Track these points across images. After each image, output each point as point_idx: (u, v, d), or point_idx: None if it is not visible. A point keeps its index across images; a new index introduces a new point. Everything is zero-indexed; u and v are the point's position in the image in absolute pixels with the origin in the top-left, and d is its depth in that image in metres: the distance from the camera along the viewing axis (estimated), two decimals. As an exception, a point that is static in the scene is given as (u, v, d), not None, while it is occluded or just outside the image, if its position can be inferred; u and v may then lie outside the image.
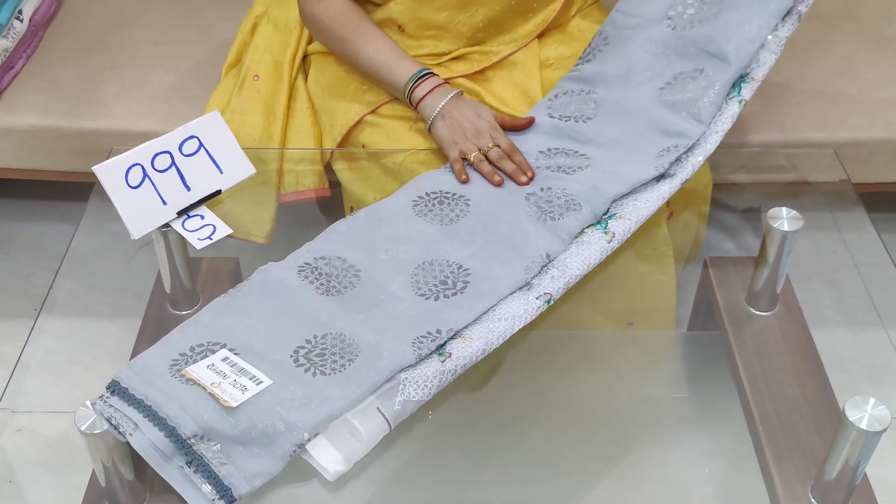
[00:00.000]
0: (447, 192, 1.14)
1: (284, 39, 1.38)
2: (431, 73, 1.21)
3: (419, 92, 1.19)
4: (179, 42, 1.67)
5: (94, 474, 0.93)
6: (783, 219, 1.11)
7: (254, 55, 1.37)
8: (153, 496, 0.92)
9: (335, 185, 1.34)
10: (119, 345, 1.14)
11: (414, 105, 1.21)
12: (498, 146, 1.16)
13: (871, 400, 0.87)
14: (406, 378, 0.92)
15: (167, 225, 1.10)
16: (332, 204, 1.34)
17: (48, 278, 1.16)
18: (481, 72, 1.29)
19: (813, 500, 0.93)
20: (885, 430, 0.86)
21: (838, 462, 0.90)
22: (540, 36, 1.30)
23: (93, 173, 1.06)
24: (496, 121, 1.19)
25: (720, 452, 1.09)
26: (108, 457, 0.87)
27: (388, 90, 1.25)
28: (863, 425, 0.86)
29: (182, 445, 0.85)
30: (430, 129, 1.20)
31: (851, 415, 0.86)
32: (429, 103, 1.19)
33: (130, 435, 0.86)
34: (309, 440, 0.86)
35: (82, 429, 0.85)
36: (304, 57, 1.39)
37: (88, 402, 0.87)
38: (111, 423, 0.87)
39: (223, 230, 1.11)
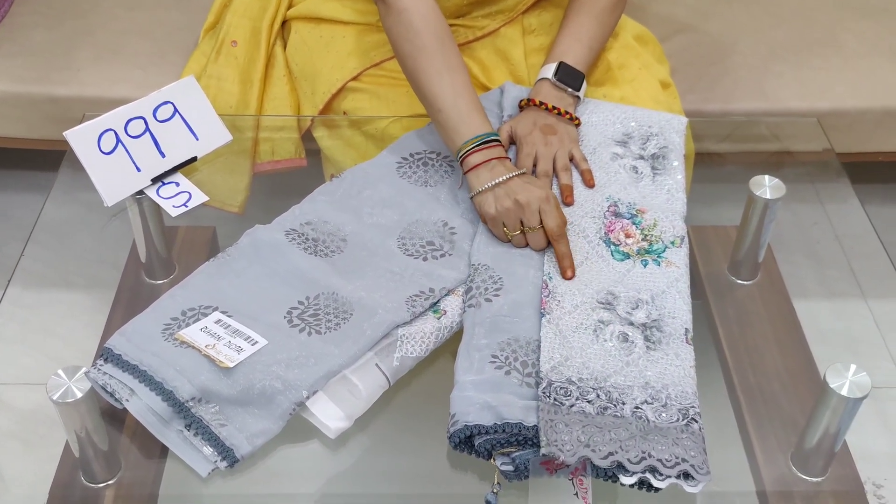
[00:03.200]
0: (431, 153, 1.13)
1: (263, 4, 1.35)
2: (497, 140, 1.06)
3: (475, 158, 1.04)
4: (155, 7, 1.64)
5: (67, 445, 0.91)
6: (766, 186, 1.10)
7: (232, 19, 1.34)
8: (128, 467, 0.91)
9: (312, 154, 1.32)
10: (94, 315, 1.12)
11: (462, 166, 1.06)
12: (543, 227, 1.01)
13: (853, 367, 0.87)
14: (404, 335, 0.93)
15: (141, 192, 1.08)
16: (308, 174, 1.33)
17: (19, 249, 1.13)
18: (465, 43, 1.28)
19: (793, 467, 0.93)
20: (865, 397, 0.86)
21: (819, 429, 0.89)
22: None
23: (65, 140, 1.04)
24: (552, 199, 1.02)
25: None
26: (82, 426, 0.86)
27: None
28: (844, 392, 0.85)
29: (180, 409, 0.85)
30: (472, 198, 1.06)
31: (832, 381, 0.86)
32: (481, 175, 1.04)
33: (127, 401, 0.86)
34: (308, 398, 0.87)
35: (54, 398, 0.83)
36: (284, 23, 1.36)
37: (61, 371, 0.85)
38: (106, 391, 0.87)
39: (199, 197, 1.09)
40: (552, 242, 1.01)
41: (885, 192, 1.80)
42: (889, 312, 1.12)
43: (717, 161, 1.39)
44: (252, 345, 0.89)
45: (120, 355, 0.88)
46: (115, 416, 0.92)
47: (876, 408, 0.99)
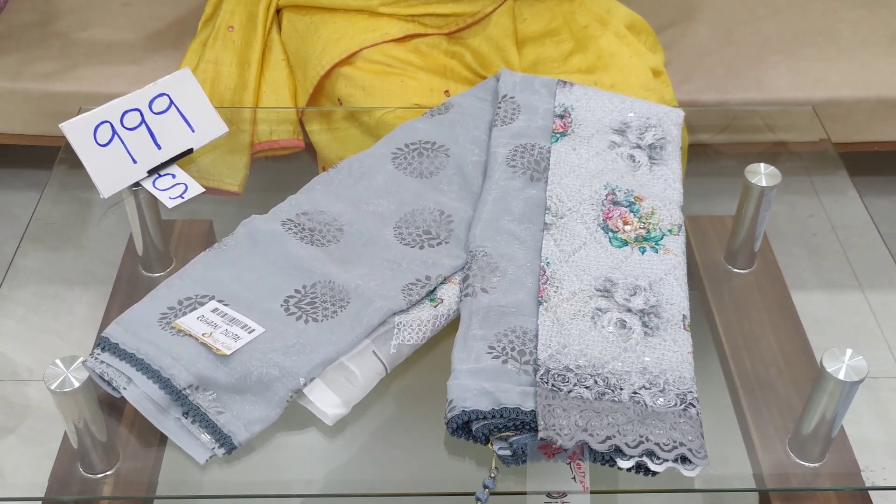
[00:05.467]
0: (426, 143, 1.13)
1: (258, -9, 1.35)
2: None
3: None
4: (149, 3, 1.64)
5: (65, 437, 0.91)
6: (761, 174, 1.10)
7: (228, 6, 1.35)
8: (127, 457, 0.91)
9: (308, 149, 1.32)
10: (91, 311, 1.13)
11: None
12: None
13: (849, 351, 0.87)
14: (401, 322, 0.93)
15: (138, 184, 1.08)
16: (306, 170, 1.32)
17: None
18: (457, 30, 1.28)
19: (790, 453, 0.93)
20: (861, 381, 0.85)
21: (816, 414, 0.89)
22: None
23: (61, 137, 1.03)
24: None
25: (698, 409, 1.09)
26: (80, 417, 0.86)
27: None
28: (840, 376, 0.85)
29: (177, 397, 0.85)
30: None
31: (829, 366, 0.86)
32: None
33: (125, 389, 0.86)
34: (305, 385, 0.87)
35: (52, 388, 0.83)
36: (278, 11, 1.37)
37: (58, 361, 0.85)
38: (104, 380, 0.87)
39: (195, 189, 1.09)
40: None
41: (880, 184, 1.80)
42: (886, 304, 1.12)
43: (711, 152, 1.39)
44: (249, 333, 0.89)
45: (117, 344, 0.88)
46: (113, 407, 0.92)
47: (871, 397, 0.99)
